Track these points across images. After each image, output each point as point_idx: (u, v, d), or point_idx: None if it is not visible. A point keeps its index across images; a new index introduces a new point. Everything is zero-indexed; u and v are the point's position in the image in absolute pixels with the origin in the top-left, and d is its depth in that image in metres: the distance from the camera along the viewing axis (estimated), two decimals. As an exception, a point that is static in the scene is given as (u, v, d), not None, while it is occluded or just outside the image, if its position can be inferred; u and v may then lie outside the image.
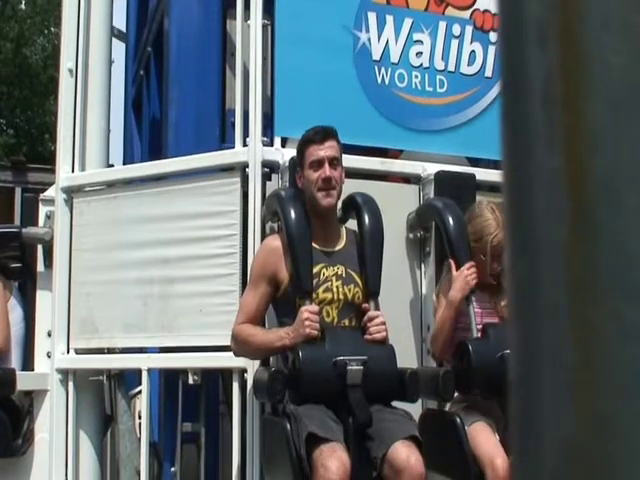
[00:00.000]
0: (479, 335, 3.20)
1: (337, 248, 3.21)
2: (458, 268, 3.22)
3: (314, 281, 3.08)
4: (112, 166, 4.30)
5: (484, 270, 3.25)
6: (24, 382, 4.17)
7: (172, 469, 3.60)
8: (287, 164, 3.45)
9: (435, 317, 3.38)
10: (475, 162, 3.73)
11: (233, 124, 3.63)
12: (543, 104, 0.56)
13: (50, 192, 4.33)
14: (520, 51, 0.58)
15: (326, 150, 3.09)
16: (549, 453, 0.55)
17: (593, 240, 0.55)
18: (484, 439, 3.07)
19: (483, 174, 3.66)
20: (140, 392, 3.73)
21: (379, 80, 3.73)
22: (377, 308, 3.12)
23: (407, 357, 3.24)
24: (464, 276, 3.19)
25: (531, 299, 0.58)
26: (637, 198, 0.54)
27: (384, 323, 3.06)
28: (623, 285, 0.54)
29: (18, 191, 5.69)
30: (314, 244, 3.14)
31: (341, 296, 3.11)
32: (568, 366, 0.55)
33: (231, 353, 3.23)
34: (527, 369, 0.58)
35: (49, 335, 4.13)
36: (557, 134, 0.56)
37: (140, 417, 3.71)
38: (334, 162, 3.10)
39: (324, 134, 3.12)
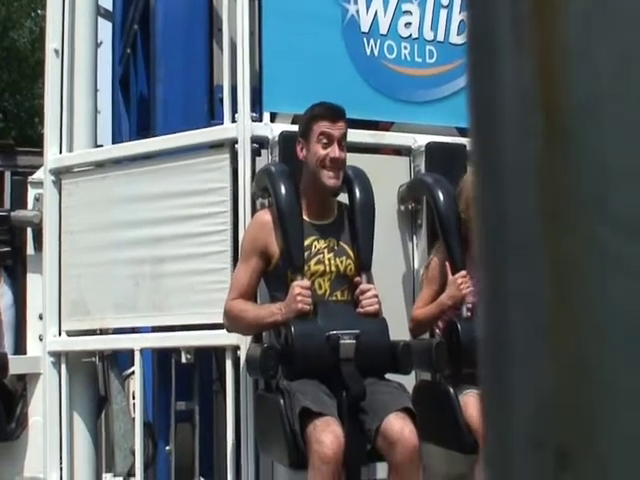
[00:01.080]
0: (469, 314, 3.20)
1: (329, 221, 3.19)
2: (447, 245, 3.22)
3: (306, 253, 3.06)
4: (101, 146, 4.26)
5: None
6: (16, 366, 4.15)
7: (167, 448, 3.60)
8: (277, 139, 3.41)
9: (420, 293, 3.40)
10: (466, 132, 3.69)
11: (221, 100, 3.59)
12: (511, 6, 0.51)
13: (39, 174, 4.30)
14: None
15: (337, 129, 3.07)
16: (522, 405, 0.51)
17: (569, 158, 0.49)
18: (476, 407, 3.06)
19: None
20: (133, 372, 3.71)
21: (368, 52, 3.69)
22: (369, 281, 3.10)
23: (400, 330, 3.22)
24: (457, 285, 3.20)
25: (499, 232, 0.53)
26: (617, 108, 0.48)
27: (376, 296, 3.05)
28: (603, 208, 0.48)
29: (7, 175, 5.66)
30: (306, 217, 3.12)
31: (333, 268, 3.09)
32: (542, 306, 0.50)
33: (223, 331, 3.22)
34: (496, 314, 0.53)
35: (40, 318, 4.11)
36: (527, 39, 0.50)
37: (134, 397, 3.69)
38: (342, 143, 3.09)
39: (337, 113, 3.09)
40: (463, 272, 3.21)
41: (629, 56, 0.48)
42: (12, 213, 4.47)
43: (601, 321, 0.48)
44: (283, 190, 3.08)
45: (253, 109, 3.51)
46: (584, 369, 0.48)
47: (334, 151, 3.05)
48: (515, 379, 0.51)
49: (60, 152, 3.99)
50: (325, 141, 3.06)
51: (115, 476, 3.65)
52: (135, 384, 3.61)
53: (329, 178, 3.08)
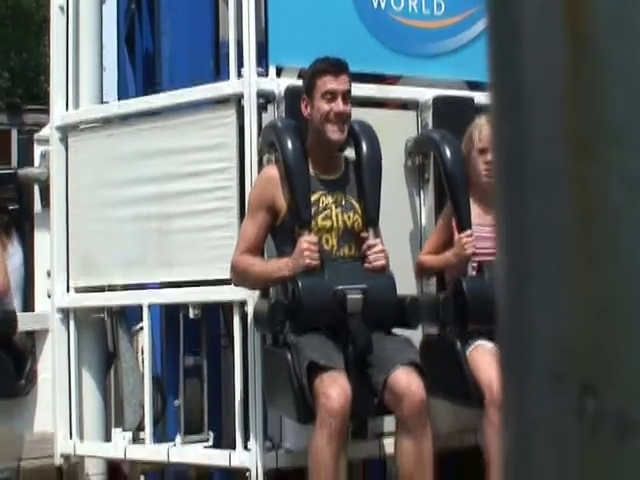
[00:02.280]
0: (474, 273, 3.21)
1: (336, 176, 3.18)
2: (454, 202, 3.22)
3: (313, 209, 3.06)
4: (107, 103, 4.23)
5: (479, 174, 3.27)
6: (25, 323, 4.18)
7: (175, 403, 3.61)
8: (283, 94, 3.38)
9: (430, 236, 3.43)
10: (474, 85, 3.66)
11: (227, 55, 3.56)
12: None
13: (45, 132, 4.29)
14: None
15: (340, 83, 3.05)
16: (545, 339, 0.49)
17: (596, 80, 0.45)
18: (484, 363, 3.07)
19: (483, 97, 3.60)
20: (142, 328, 3.72)
21: (375, 5, 3.63)
22: (377, 236, 3.10)
23: (407, 284, 3.23)
24: (462, 244, 3.19)
25: (520, 160, 0.50)
26: None
27: (383, 251, 3.05)
28: (630, 136, 0.45)
29: (14, 133, 5.65)
30: (313, 172, 3.12)
31: (340, 223, 3.09)
32: (565, 238, 0.48)
33: (231, 286, 3.23)
34: (516, 247, 0.50)
35: (48, 275, 4.12)
36: None
37: (143, 353, 3.71)
38: (347, 97, 3.07)
39: (340, 67, 3.07)
40: (468, 231, 3.20)
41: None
42: (19, 171, 4.48)
43: (627, 252, 0.46)
44: (290, 145, 3.07)
45: (259, 64, 3.47)
46: (609, 302, 0.47)
47: (338, 105, 3.04)
48: (536, 316, 0.49)
49: (66, 109, 3.97)
50: (329, 96, 3.04)
51: (124, 431, 3.67)
52: (144, 340, 3.63)
53: (334, 132, 3.06)
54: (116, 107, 4.00)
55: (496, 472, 2.91)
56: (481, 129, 3.27)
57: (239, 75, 3.45)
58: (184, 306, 3.48)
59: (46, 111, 4.68)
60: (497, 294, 0.53)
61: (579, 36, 0.46)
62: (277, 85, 3.43)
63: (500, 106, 0.52)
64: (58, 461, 3.88)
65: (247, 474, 3.20)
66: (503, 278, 0.52)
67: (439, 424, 3.10)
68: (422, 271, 3.39)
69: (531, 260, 0.50)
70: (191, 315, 3.43)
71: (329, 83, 3.05)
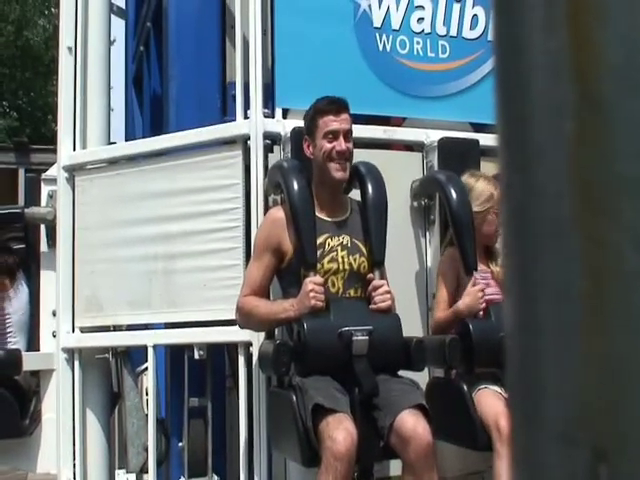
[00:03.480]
0: (481, 314, 3.21)
1: (342, 218, 3.18)
2: (460, 245, 3.21)
3: (319, 251, 3.06)
4: (114, 144, 4.26)
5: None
6: (30, 362, 4.17)
7: (180, 444, 3.59)
8: (289, 135, 3.41)
9: (437, 294, 3.40)
10: (479, 127, 3.68)
11: (234, 97, 3.59)
12: None
13: (52, 171, 4.31)
14: None
15: (341, 122, 3.07)
16: (555, 404, 0.48)
17: (606, 134, 0.45)
18: (490, 404, 3.06)
19: (488, 139, 3.62)
20: (146, 369, 3.71)
21: (380, 47, 3.67)
22: (382, 277, 3.09)
23: (413, 326, 3.22)
24: (477, 298, 3.20)
25: (528, 218, 0.49)
26: None
27: (389, 292, 3.04)
28: (637, 187, 0.44)
29: (21, 172, 5.68)
30: (319, 214, 3.12)
31: (347, 266, 3.08)
32: (575, 299, 0.46)
33: (236, 327, 3.22)
34: (525, 307, 0.49)
35: (54, 315, 4.12)
36: (558, 3, 0.46)
37: (147, 394, 3.69)
38: (348, 135, 3.09)
39: (340, 106, 3.09)
40: (482, 285, 3.21)
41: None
42: (26, 210, 4.49)
43: (638, 315, 0.45)
44: (296, 186, 3.08)
45: (265, 105, 3.51)
46: (620, 366, 0.46)
47: (340, 144, 3.05)
48: (547, 377, 0.48)
49: (74, 149, 4.00)
50: (330, 136, 3.06)
51: (128, 472, 3.65)
52: (148, 380, 3.61)
53: (336, 171, 3.07)
54: (123, 148, 4.03)
55: None
56: (471, 191, 3.32)
57: (246, 116, 3.48)
58: (189, 347, 3.47)
59: (53, 151, 4.71)
60: (507, 352, 0.52)
61: (587, 91, 0.46)
62: (283, 126, 3.46)
63: (509, 162, 0.52)
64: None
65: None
66: (512, 335, 0.51)
67: (445, 468, 3.07)
68: (440, 332, 3.32)
69: (539, 320, 0.49)
70: (196, 356, 3.42)
71: (330, 123, 3.06)
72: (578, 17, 0.46)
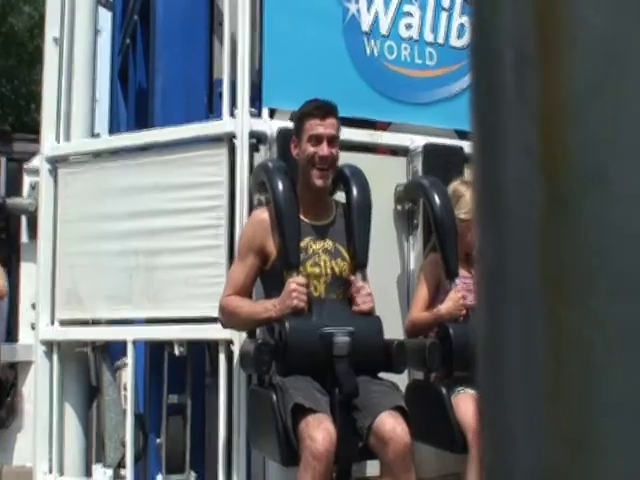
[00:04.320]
0: (461, 319, 3.25)
1: (325, 222, 3.19)
2: (443, 250, 3.25)
3: (302, 255, 3.07)
4: (98, 136, 4.25)
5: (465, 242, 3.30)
6: (8, 354, 4.16)
7: (157, 441, 3.59)
8: (275, 135, 3.42)
9: (415, 293, 3.43)
10: (464, 135, 3.71)
11: (221, 94, 3.59)
12: (515, 65, 0.49)
13: (35, 162, 4.30)
14: (493, 9, 0.50)
15: (326, 127, 3.07)
16: (520, 476, 0.49)
17: (569, 228, 0.46)
18: (468, 408, 3.10)
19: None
20: (125, 364, 3.71)
21: (368, 52, 3.69)
22: (364, 280, 3.11)
23: (394, 329, 3.24)
24: (458, 305, 3.23)
25: (499, 278, 0.50)
26: (622, 179, 0.45)
27: (371, 294, 3.06)
28: (604, 282, 0.46)
29: (3, 161, 5.65)
30: (303, 217, 3.13)
31: (329, 270, 3.10)
32: (540, 376, 0.48)
33: (217, 325, 3.23)
34: (493, 385, 0.51)
35: (33, 307, 4.11)
36: (530, 100, 0.48)
37: (125, 389, 3.69)
38: (333, 140, 3.08)
39: (326, 110, 3.09)
40: (463, 292, 3.24)
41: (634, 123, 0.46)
42: (7, 200, 4.48)
43: (601, 394, 0.47)
44: (281, 188, 3.09)
45: (252, 104, 3.51)
46: (584, 443, 0.47)
47: (322, 149, 3.06)
48: (514, 448, 0.50)
49: (57, 141, 3.98)
50: (314, 140, 3.06)
51: (105, 467, 3.65)
52: (127, 376, 3.62)
53: (317, 178, 3.08)
54: (108, 141, 4.02)
55: None
56: (461, 199, 3.33)
57: (232, 114, 3.48)
58: (169, 343, 3.48)
59: (36, 140, 4.69)
60: (476, 418, 0.54)
61: (555, 187, 0.47)
62: (270, 126, 3.47)
63: (483, 228, 0.53)
64: (36, 495, 3.84)
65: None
66: (480, 398, 0.53)
67: (423, 469, 3.10)
68: (414, 329, 3.36)
69: (504, 377, 0.50)
70: (176, 352, 3.43)
71: (315, 127, 3.06)
72: (549, 117, 0.47)
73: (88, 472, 3.80)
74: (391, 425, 2.77)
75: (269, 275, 3.13)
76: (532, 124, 0.48)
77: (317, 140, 3.06)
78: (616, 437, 0.46)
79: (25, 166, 4.39)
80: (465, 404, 3.12)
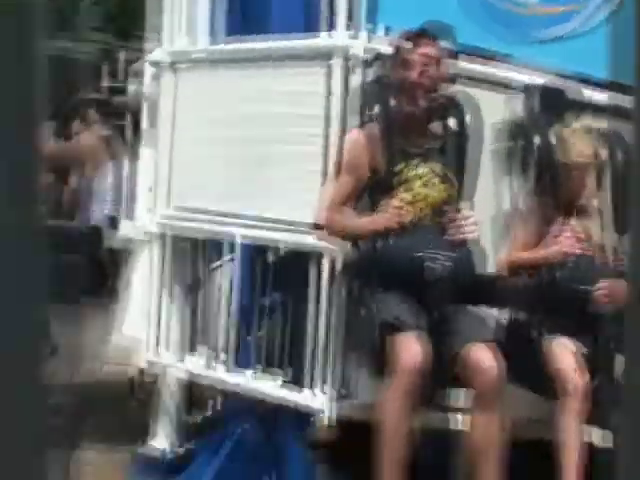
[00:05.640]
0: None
1: (429, 146, 3.20)
2: (544, 190, 3.29)
3: (405, 177, 3.12)
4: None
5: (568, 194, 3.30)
6: (125, 228, 4.41)
7: (258, 334, 3.71)
8: (387, 54, 3.42)
9: (514, 234, 3.43)
10: (581, 79, 3.65)
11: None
12: None
13: (156, 54, 4.42)
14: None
15: (419, 53, 3.07)
16: None
17: None
18: (564, 354, 3.14)
19: (587, 93, 3.58)
20: (221, 266, 3.86)
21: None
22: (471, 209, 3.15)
23: (481, 267, 3.24)
24: (562, 250, 3.23)
25: None
26: None
27: (476, 224, 3.10)
28: None
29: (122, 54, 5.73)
30: (404, 140, 3.16)
31: (435, 193, 3.13)
32: None
33: (319, 233, 3.30)
34: None
35: (150, 190, 4.30)
36: None
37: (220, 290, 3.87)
38: (429, 66, 3.07)
39: (424, 37, 3.09)
40: (569, 232, 3.27)
41: None
42: (129, 86, 4.63)
43: None
44: (386, 109, 3.15)
45: (368, 21, 3.52)
46: None
47: (411, 75, 3.07)
48: None
49: (176, 40, 4.09)
50: (406, 64, 3.08)
51: (209, 349, 3.87)
52: (233, 271, 3.79)
53: (406, 104, 3.11)
54: (228, 48, 4.04)
55: (570, 465, 3.03)
56: (569, 144, 3.30)
57: (348, 29, 3.50)
58: (272, 246, 3.64)
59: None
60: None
61: None
62: (383, 44, 3.46)
63: None
64: (143, 364, 4.14)
65: (319, 416, 3.29)
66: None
67: (511, 411, 3.08)
68: (514, 270, 3.34)
69: None
70: (279, 254, 3.57)
71: (406, 53, 3.09)
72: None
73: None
74: (483, 356, 2.84)
75: (373, 190, 3.18)
76: None
77: (410, 66, 3.07)
78: None
79: (147, 57, 4.52)
80: (561, 351, 3.15)
